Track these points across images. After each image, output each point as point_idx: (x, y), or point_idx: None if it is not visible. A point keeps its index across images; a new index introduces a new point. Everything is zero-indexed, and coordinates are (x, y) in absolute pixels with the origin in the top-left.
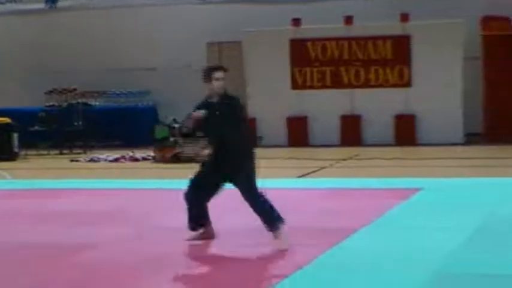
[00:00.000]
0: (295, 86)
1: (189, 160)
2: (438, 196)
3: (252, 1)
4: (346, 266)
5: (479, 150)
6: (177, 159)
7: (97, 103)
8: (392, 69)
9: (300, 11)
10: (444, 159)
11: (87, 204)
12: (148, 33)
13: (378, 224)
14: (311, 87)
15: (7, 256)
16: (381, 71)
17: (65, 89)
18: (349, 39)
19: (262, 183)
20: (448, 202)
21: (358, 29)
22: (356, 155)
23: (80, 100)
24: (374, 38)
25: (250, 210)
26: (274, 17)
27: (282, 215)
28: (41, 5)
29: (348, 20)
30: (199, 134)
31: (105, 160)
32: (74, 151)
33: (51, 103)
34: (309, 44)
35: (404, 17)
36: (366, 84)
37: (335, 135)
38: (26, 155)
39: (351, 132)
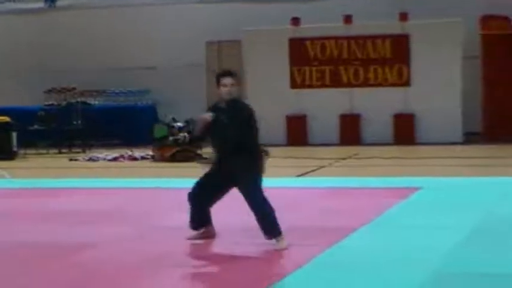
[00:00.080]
0: (294, 85)
1: (188, 159)
2: (437, 195)
3: (252, 0)
4: (345, 265)
5: (478, 150)
6: (176, 158)
7: (96, 102)
8: (392, 69)
9: (299, 10)
10: (443, 159)
11: (87, 204)
12: (147, 32)
13: (377, 223)
14: (310, 86)
15: (6, 256)
16: (380, 70)
17: (64, 88)
18: (348, 38)
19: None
20: (447, 201)
21: (357, 28)
22: (355, 154)
23: (79, 99)
24: (373, 37)
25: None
26: (274, 16)
27: (281, 214)
28: (40, 4)
29: (347, 19)
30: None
31: (104, 159)
32: (73, 150)
33: (50, 102)
34: (308, 43)
35: (404, 16)
36: (365, 84)
37: (334, 134)
38: (25, 154)
39: (350, 131)
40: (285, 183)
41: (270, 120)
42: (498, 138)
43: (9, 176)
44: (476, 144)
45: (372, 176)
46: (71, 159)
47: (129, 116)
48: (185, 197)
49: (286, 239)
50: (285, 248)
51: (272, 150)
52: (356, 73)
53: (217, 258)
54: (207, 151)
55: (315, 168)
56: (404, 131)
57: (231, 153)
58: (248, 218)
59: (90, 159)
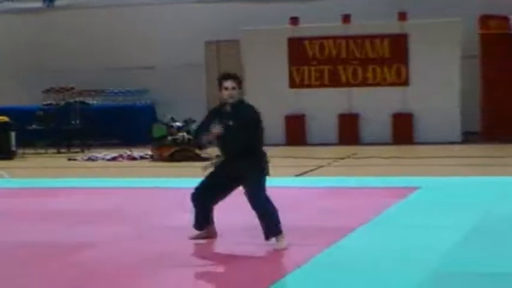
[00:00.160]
0: (293, 84)
1: (187, 159)
2: (436, 195)
3: (250, 0)
4: (344, 265)
5: (477, 149)
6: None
7: (95, 102)
8: (390, 68)
9: (298, 9)
10: (442, 158)
11: (85, 203)
12: (146, 32)
13: (375, 222)
14: (309, 85)
15: (5, 255)
16: (378, 69)
17: (62, 88)
18: (346, 37)
19: None
20: (446, 201)
21: (355, 28)
22: (354, 154)
23: (77, 99)
24: (372, 37)
25: (250, 208)
26: (273, 15)
27: (280, 213)
28: (39, 4)
29: (346, 18)
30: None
31: (103, 159)
32: (72, 150)
33: (49, 102)
34: (306, 42)
35: (402, 16)
36: (364, 83)
37: (333, 134)
38: (24, 153)
39: (349, 130)
40: (283, 183)
41: (268, 119)
42: (497, 138)
43: (7, 176)
44: (474, 143)
45: (371, 176)
46: (69, 159)
47: (128, 115)
48: (184, 197)
49: (286, 239)
50: (285, 248)
51: (271, 150)
52: (355, 73)
53: (217, 258)
54: (207, 151)
55: (313, 167)
56: (403, 130)
57: (237, 155)
58: (248, 217)
59: (89, 159)
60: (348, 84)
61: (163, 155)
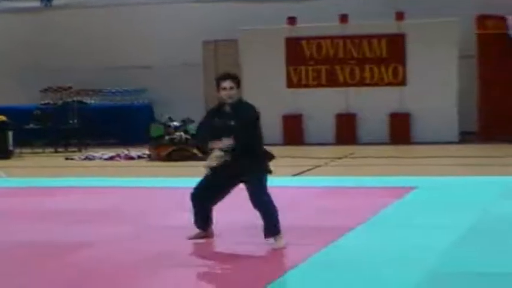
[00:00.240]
0: (290, 84)
1: (184, 158)
2: (433, 194)
3: (248, 0)
4: (341, 265)
5: (474, 149)
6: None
7: (92, 101)
8: (387, 68)
9: (296, 9)
10: (439, 158)
11: (83, 203)
12: (144, 32)
13: (373, 222)
14: (306, 85)
15: (3, 255)
16: (375, 69)
17: (60, 87)
18: (344, 37)
19: None
20: (443, 200)
21: (353, 28)
22: (351, 154)
23: (75, 98)
24: (369, 37)
25: (250, 207)
26: (270, 15)
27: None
28: (37, 3)
29: (343, 18)
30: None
31: (101, 158)
32: (69, 149)
33: (46, 101)
34: (304, 42)
35: (399, 16)
36: (361, 83)
37: (330, 134)
38: (21, 153)
39: (346, 130)
40: (280, 183)
41: (266, 119)
42: (494, 138)
43: (5, 175)
44: (472, 143)
45: (368, 176)
46: (67, 158)
47: (126, 115)
48: (182, 196)
49: (284, 238)
50: (283, 247)
51: (268, 150)
52: (352, 72)
53: (215, 257)
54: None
55: (311, 167)
56: (400, 130)
57: (239, 155)
58: (246, 217)
59: (87, 158)
60: (345, 84)
61: (161, 154)
